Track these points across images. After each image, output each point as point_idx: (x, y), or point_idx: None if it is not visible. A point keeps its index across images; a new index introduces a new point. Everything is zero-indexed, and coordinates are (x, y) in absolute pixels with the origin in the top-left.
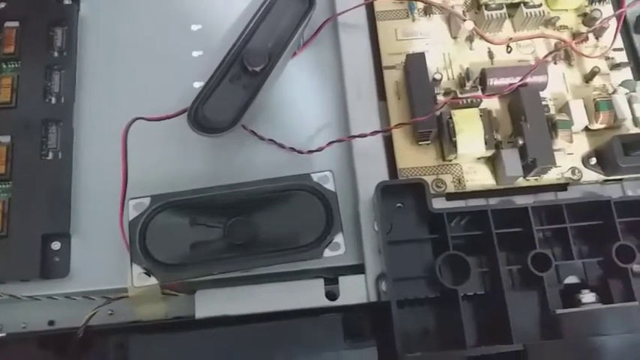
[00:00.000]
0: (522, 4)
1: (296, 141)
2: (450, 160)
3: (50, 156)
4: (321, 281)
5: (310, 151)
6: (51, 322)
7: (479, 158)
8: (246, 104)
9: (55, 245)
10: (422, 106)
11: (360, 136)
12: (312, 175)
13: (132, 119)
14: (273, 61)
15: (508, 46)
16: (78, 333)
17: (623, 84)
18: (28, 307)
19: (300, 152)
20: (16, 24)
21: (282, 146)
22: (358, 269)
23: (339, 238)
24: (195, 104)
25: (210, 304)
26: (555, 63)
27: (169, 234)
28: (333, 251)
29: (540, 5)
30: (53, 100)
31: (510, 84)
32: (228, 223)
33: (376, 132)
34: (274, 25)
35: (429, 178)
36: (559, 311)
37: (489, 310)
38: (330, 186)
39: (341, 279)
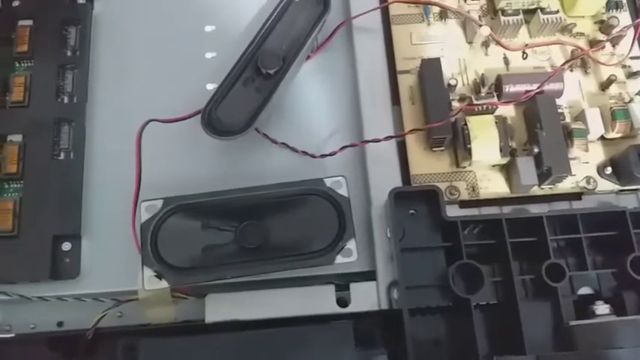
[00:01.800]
0: (539, 10)
1: (309, 145)
2: (464, 167)
3: (62, 156)
4: (332, 288)
5: (323, 156)
6: (60, 324)
7: (493, 166)
8: (260, 107)
9: (66, 246)
10: (436, 111)
11: (373, 141)
12: (324, 180)
13: (146, 121)
14: (288, 64)
15: (524, 53)
16: (87, 335)
17: None
18: (37, 307)
19: (313, 156)
20: (29, 22)
21: (294, 150)
22: (370, 276)
23: (351, 245)
24: (208, 106)
25: (220, 308)
26: (571, 70)
27: (181, 237)
28: (345, 257)
29: (557, 12)
30: (66, 100)
31: (526, 91)
32: (240, 226)
33: (390, 137)
34: (289, 27)
35: (442, 185)
36: (572, 323)
37: (502, 320)
38: (342, 191)
39: (352, 286)
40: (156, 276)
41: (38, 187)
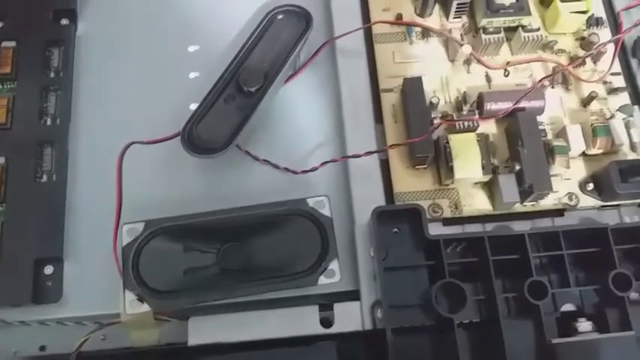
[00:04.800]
0: (520, 28)
1: (292, 162)
2: (447, 185)
3: (44, 178)
4: (316, 308)
5: (304, 172)
6: (42, 348)
7: (476, 183)
8: (241, 125)
9: (48, 270)
10: (418, 129)
11: (353, 156)
12: (307, 200)
13: (127, 144)
14: (269, 82)
15: (506, 70)
16: (70, 359)
17: (621, 109)
18: (19, 332)
19: (295, 172)
20: (12, 44)
21: (276, 167)
22: (354, 295)
23: (334, 265)
24: (188, 125)
25: (203, 331)
26: (553, 87)
27: (163, 260)
28: (328, 278)
29: (538, 29)
30: (49, 122)
31: (508, 108)
32: (222, 248)
33: (370, 152)
34: (271, 45)
35: (425, 203)
36: (555, 340)
37: (485, 338)
38: (325, 211)
39: (336, 306)
40: (137, 299)
41: (20, 209)
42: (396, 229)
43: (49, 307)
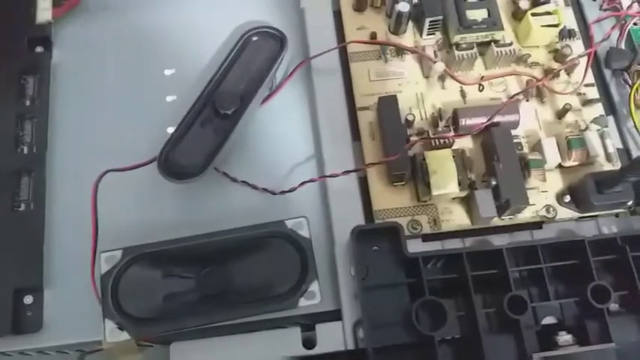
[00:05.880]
0: (493, 44)
1: (272, 183)
2: (425, 201)
3: (22, 207)
4: (298, 329)
5: (282, 192)
6: None
7: (454, 198)
8: (218, 148)
9: (28, 299)
10: (394, 148)
11: (331, 175)
12: (286, 221)
13: (102, 172)
14: (245, 104)
15: (480, 85)
16: None
17: (595, 121)
18: None
19: (273, 193)
20: None
21: (255, 187)
22: (336, 315)
23: (314, 287)
24: (164, 150)
25: (185, 357)
26: (527, 100)
27: (142, 287)
28: (308, 300)
29: (511, 44)
30: (25, 150)
31: (482, 124)
32: (202, 273)
33: (347, 172)
34: (246, 67)
35: (404, 220)
36: (536, 355)
37: (467, 354)
38: (304, 232)
39: (318, 327)
40: (118, 327)
41: None
42: (375, 247)
43: (29, 337)
